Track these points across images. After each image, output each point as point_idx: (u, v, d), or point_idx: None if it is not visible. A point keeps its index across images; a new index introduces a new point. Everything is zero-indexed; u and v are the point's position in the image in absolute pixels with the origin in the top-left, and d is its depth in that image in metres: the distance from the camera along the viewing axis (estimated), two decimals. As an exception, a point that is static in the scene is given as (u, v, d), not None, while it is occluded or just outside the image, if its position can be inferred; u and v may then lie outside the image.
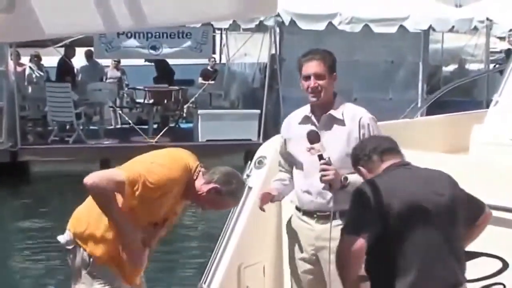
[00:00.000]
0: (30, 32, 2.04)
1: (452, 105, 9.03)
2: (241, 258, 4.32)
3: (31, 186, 12.94)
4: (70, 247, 3.76)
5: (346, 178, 3.66)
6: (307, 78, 3.81)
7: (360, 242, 3.02)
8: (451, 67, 17.86)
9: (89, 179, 3.48)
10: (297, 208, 3.98)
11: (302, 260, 3.94)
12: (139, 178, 3.51)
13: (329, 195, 3.75)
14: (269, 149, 4.55)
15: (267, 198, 3.91)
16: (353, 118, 3.81)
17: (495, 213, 3.70)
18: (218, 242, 4.34)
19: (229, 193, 3.72)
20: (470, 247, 3.75)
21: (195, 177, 3.71)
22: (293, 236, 4.01)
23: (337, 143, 3.76)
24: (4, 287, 8.04)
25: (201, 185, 3.70)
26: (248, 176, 4.47)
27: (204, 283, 4.22)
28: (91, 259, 3.69)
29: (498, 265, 3.59)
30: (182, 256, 8.78)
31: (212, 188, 3.68)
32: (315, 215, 3.86)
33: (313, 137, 3.67)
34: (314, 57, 3.84)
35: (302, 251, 3.94)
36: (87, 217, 3.74)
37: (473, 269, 3.78)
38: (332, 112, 3.82)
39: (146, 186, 3.52)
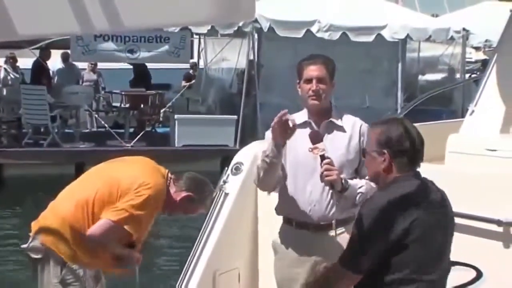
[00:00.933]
0: (2, 32, 2.00)
1: (429, 114, 9.07)
2: (216, 264, 4.30)
3: (4, 190, 12.78)
4: (38, 256, 3.69)
5: (346, 181, 3.64)
6: (309, 81, 3.75)
7: (359, 278, 2.93)
8: (437, 75, 17.97)
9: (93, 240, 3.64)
10: (288, 220, 3.84)
11: (297, 275, 3.75)
12: (132, 218, 3.63)
13: (326, 204, 3.71)
14: (247, 156, 4.53)
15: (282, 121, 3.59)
16: (354, 126, 3.81)
17: (469, 222, 3.72)
18: (194, 247, 4.31)
19: (201, 200, 3.76)
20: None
21: (168, 184, 3.74)
22: (291, 251, 3.80)
23: (338, 149, 3.75)
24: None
25: (173, 193, 3.72)
26: (224, 182, 4.45)
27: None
28: (66, 263, 3.65)
29: (472, 274, 3.60)
30: (157, 262, 8.75)
31: (186, 196, 3.70)
32: (310, 226, 3.74)
33: (316, 137, 3.65)
34: (317, 61, 3.81)
35: (295, 266, 3.76)
36: (59, 224, 3.70)
37: (448, 278, 3.79)
38: (332, 119, 3.80)
39: (140, 217, 3.67)
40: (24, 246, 3.76)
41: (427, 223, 2.90)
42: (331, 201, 3.70)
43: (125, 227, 3.63)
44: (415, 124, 5.96)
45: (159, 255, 8.89)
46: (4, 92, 14.90)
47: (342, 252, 3.11)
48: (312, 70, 3.76)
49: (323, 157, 3.58)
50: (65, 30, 2.15)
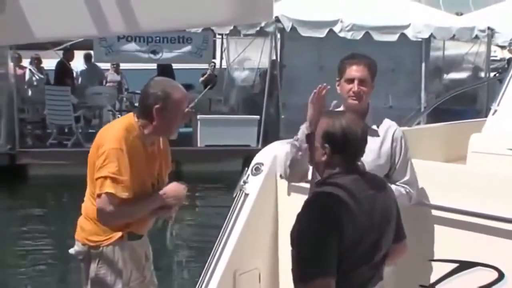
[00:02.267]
0: (20, 35, 2.02)
1: (453, 114, 9.01)
2: (236, 264, 4.30)
3: (29, 189, 12.89)
4: (80, 257, 3.74)
5: None
6: (351, 81, 3.74)
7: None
8: (462, 74, 17.82)
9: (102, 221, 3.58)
10: None
11: None
12: (115, 184, 3.51)
13: None
14: (267, 156, 4.53)
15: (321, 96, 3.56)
16: (387, 131, 3.79)
17: (491, 223, 3.69)
18: (214, 248, 4.32)
19: (165, 100, 3.58)
20: (467, 257, 3.74)
21: (144, 125, 3.63)
22: None
23: (369, 153, 3.73)
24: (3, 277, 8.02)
25: (146, 126, 3.62)
26: (245, 182, 4.45)
27: (199, 289, 4.20)
28: (101, 258, 3.67)
29: (494, 275, 3.58)
30: (178, 262, 8.78)
31: (155, 113, 3.56)
32: None
33: None
34: (360, 61, 3.78)
35: None
36: (83, 220, 3.75)
37: (469, 279, 3.77)
38: (367, 121, 3.76)
39: (120, 178, 3.52)
40: (71, 250, 3.81)
41: (357, 222, 2.87)
42: None
43: (110, 190, 3.49)
44: (438, 124, 5.93)
45: (180, 256, 8.93)
46: (29, 93, 15.01)
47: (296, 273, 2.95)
48: (355, 71, 3.74)
49: None
50: (82, 33, 2.17)
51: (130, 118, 3.66)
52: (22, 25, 1.92)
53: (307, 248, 2.85)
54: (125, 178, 3.49)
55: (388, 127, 3.80)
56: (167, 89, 3.60)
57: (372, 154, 3.71)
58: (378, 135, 3.78)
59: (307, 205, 2.97)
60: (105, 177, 3.48)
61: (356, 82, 3.72)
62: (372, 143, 3.71)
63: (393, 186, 3.64)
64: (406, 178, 3.78)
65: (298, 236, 2.91)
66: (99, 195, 3.51)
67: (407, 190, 3.75)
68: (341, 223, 2.82)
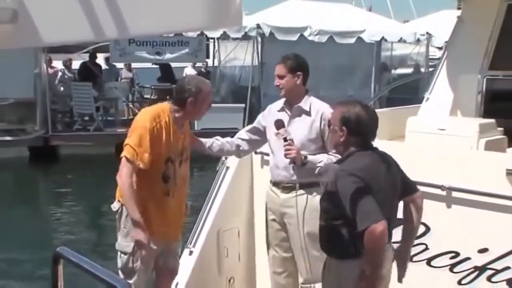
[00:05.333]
0: (30, 40, 1.98)
1: (399, 101, 9.00)
2: (220, 224, 4.30)
3: (59, 166, 12.87)
4: (115, 211, 3.64)
5: (305, 157, 3.64)
6: (275, 77, 3.80)
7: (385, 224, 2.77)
8: (407, 70, 17.81)
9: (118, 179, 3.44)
10: (270, 181, 3.91)
11: (272, 221, 3.90)
12: (133, 151, 3.43)
13: (290, 171, 3.72)
14: (244, 136, 4.49)
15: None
16: (318, 111, 3.76)
17: (422, 188, 3.69)
18: (201, 211, 4.31)
19: (196, 95, 3.55)
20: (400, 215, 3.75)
21: (176, 111, 3.59)
22: (268, 202, 3.94)
23: (302, 129, 3.73)
24: (40, 241, 8.01)
25: (178, 114, 3.58)
26: (226, 158, 4.44)
27: (190, 244, 4.19)
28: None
29: (422, 229, 3.59)
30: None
31: (188, 104, 3.54)
32: (280, 186, 3.81)
33: (278, 124, 3.70)
34: (280, 61, 3.81)
35: (272, 214, 3.90)
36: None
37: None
38: (301, 104, 3.77)
39: (135, 144, 3.45)
40: (112, 205, 3.69)
41: (380, 185, 2.88)
42: (294, 170, 3.71)
43: (127, 155, 3.40)
44: (384, 109, 5.91)
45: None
46: (61, 89, 14.96)
47: (358, 219, 2.80)
48: (276, 70, 3.80)
49: (285, 139, 3.62)
50: (81, 38, 2.14)
51: (164, 105, 3.67)
52: (32, 31, 1.89)
53: (358, 202, 2.80)
54: (142, 149, 3.46)
55: (318, 109, 3.75)
56: (200, 85, 3.62)
57: (305, 130, 3.72)
58: (310, 115, 3.75)
59: (339, 178, 2.89)
60: (126, 145, 3.49)
61: (276, 78, 3.77)
62: (305, 121, 3.74)
63: (323, 156, 3.65)
64: None
65: (345, 197, 2.83)
66: (120, 158, 3.50)
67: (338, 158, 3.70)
68: (369, 185, 2.81)
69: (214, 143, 4.02)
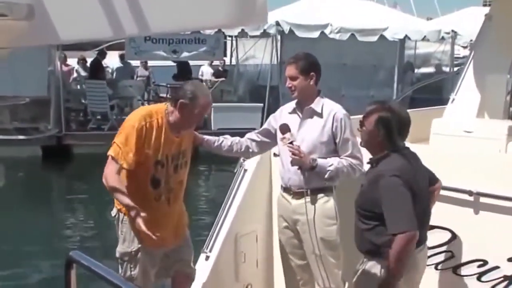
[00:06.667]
0: (47, 37, 1.98)
1: (423, 102, 8.93)
2: (237, 228, 4.27)
3: (73, 165, 12.99)
4: (113, 216, 3.69)
5: (314, 160, 3.61)
6: (286, 78, 3.77)
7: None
8: (431, 69, 17.69)
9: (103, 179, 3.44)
10: (281, 186, 3.92)
11: (285, 228, 3.90)
12: (119, 149, 3.41)
13: (299, 177, 3.71)
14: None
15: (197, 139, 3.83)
16: (330, 113, 3.72)
17: (448, 193, 3.66)
18: (218, 215, 4.29)
19: (192, 99, 3.47)
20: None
21: (171, 112, 3.53)
22: (279, 209, 3.96)
23: (314, 131, 3.70)
24: (53, 242, 8.14)
25: (172, 114, 3.51)
26: (244, 160, 4.42)
27: (206, 248, 4.17)
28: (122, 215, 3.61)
29: (448, 235, 3.55)
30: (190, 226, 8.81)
31: (178, 106, 3.47)
32: (291, 192, 3.80)
33: (283, 129, 3.67)
34: (290, 61, 3.77)
35: (284, 221, 3.90)
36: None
37: (429, 238, 3.74)
38: (312, 106, 3.74)
39: (125, 148, 3.41)
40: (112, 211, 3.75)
41: (419, 186, 2.97)
42: (304, 174, 3.69)
43: (112, 153, 3.40)
44: (408, 111, 5.90)
45: (192, 221, 8.97)
46: (78, 87, 15.06)
47: (391, 221, 2.89)
48: (286, 70, 3.77)
49: (291, 143, 3.60)
50: (99, 36, 2.13)
51: (159, 106, 3.64)
52: (49, 28, 1.89)
53: (395, 205, 2.88)
54: (127, 148, 3.43)
55: (330, 110, 3.72)
56: (197, 93, 3.52)
57: (316, 132, 3.69)
58: (322, 117, 3.72)
59: (381, 178, 2.95)
60: (113, 143, 3.48)
61: (288, 79, 3.73)
62: (316, 123, 3.71)
63: (335, 159, 3.63)
64: (348, 152, 3.69)
65: (385, 198, 2.90)
66: (107, 157, 3.50)
67: (350, 162, 3.67)
68: (411, 187, 2.89)
69: (223, 142, 3.98)
